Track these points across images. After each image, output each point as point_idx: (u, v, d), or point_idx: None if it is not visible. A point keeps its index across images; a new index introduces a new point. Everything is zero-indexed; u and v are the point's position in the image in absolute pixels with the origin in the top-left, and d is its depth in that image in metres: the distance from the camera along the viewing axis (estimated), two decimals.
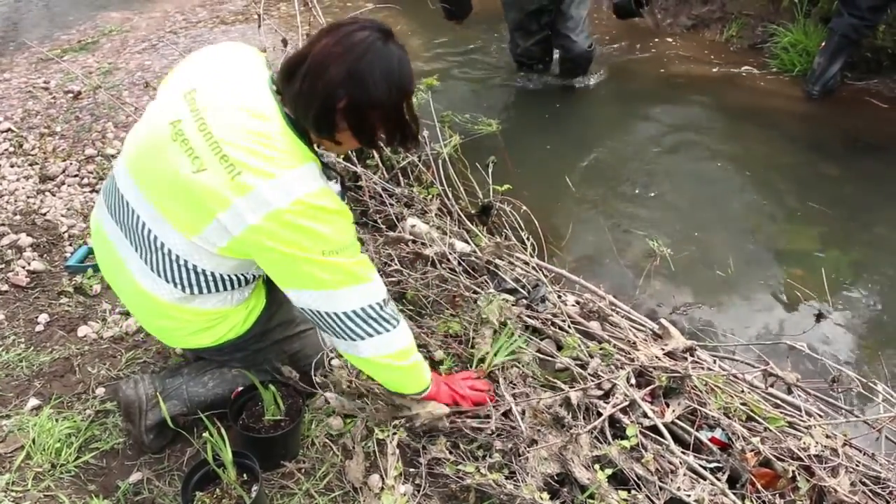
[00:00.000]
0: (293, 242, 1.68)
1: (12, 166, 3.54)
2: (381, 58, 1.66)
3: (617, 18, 4.84)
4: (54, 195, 3.35)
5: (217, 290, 1.90)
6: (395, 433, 2.12)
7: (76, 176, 3.50)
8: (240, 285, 1.95)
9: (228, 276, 1.88)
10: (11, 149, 3.69)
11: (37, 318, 2.63)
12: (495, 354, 2.35)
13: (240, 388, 2.09)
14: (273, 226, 1.66)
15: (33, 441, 2.10)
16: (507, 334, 2.41)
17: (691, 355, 2.43)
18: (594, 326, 2.58)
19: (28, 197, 3.30)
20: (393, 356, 1.92)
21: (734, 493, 1.95)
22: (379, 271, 2.77)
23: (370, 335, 1.85)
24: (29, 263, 2.88)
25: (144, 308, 1.97)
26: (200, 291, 1.88)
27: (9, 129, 3.85)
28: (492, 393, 2.25)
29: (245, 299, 2.01)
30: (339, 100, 1.65)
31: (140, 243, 1.84)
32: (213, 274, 1.85)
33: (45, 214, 3.21)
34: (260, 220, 1.64)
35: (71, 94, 4.24)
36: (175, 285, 1.85)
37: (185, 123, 1.70)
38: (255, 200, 1.63)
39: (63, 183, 3.45)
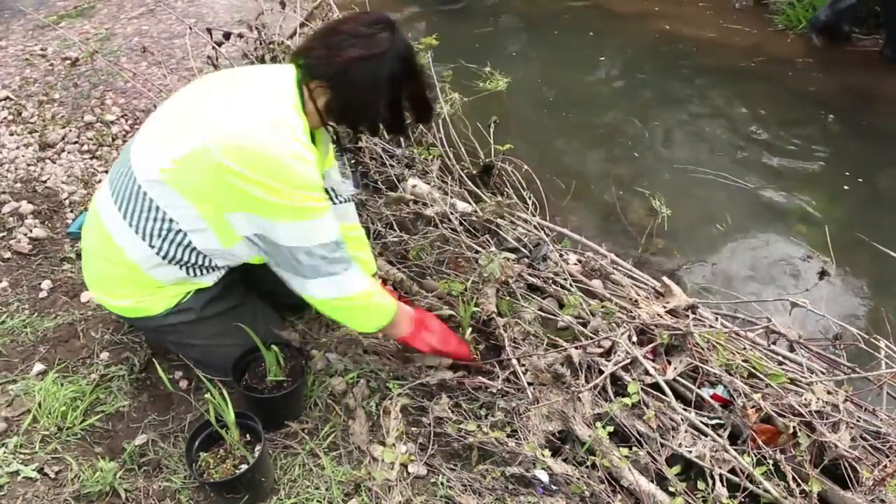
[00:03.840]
0: None
1: (12, 134, 3.51)
2: None
3: None
4: (54, 162, 3.34)
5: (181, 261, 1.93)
6: (399, 394, 2.13)
7: (76, 143, 3.48)
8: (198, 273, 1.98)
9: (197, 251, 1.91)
10: (10, 117, 3.66)
11: (40, 284, 2.64)
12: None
13: None
14: None
15: (39, 405, 2.12)
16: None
17: (693, 313, 2.43)
18: (596, 285, 2.57)
19: (28, 164, 3.29)
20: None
21: (735, 449, 1.96)
22: (379, 234, 2.78)
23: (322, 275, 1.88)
24: (31, 231, 2.88)
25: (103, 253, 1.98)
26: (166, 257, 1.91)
27: (7, 97, 3.81)
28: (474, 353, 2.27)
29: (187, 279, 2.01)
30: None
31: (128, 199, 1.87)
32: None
33: (45, 182, 3.20)
34: None
35: (68, 61, 4.19)
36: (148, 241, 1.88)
37: None
38: None
39: (63, 150, 3.43)
